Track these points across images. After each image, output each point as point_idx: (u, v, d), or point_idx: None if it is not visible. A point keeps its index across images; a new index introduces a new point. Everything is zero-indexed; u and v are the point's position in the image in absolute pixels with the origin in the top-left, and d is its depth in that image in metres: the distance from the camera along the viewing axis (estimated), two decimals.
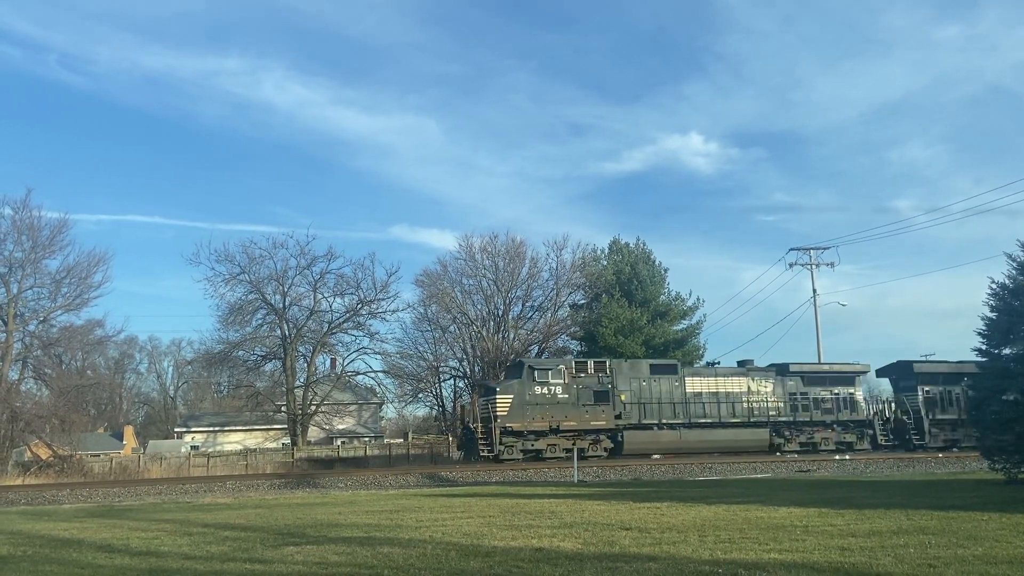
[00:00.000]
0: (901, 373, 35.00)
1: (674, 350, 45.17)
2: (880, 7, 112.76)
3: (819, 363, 36.15)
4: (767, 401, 31.40)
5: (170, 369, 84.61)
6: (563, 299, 48.54)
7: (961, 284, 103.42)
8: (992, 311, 17.97)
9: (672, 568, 7.55)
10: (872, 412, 32.83)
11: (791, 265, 44.97)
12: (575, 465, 24.45)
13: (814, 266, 44.71)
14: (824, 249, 45.01)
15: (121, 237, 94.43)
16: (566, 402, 28.82)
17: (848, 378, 33.13)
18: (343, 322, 46.14)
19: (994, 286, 17.91)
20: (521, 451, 28.39)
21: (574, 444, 28.24)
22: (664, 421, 29.91)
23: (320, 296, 45.40)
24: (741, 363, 33.62)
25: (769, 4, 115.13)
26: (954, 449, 31.62)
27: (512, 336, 46.89)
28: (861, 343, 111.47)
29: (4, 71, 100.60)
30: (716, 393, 30.94)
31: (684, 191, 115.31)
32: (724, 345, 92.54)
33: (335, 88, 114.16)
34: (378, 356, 48.02)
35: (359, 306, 45.51)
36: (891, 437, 32.64)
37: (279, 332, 45.22)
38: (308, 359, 46.55)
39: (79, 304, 41.68)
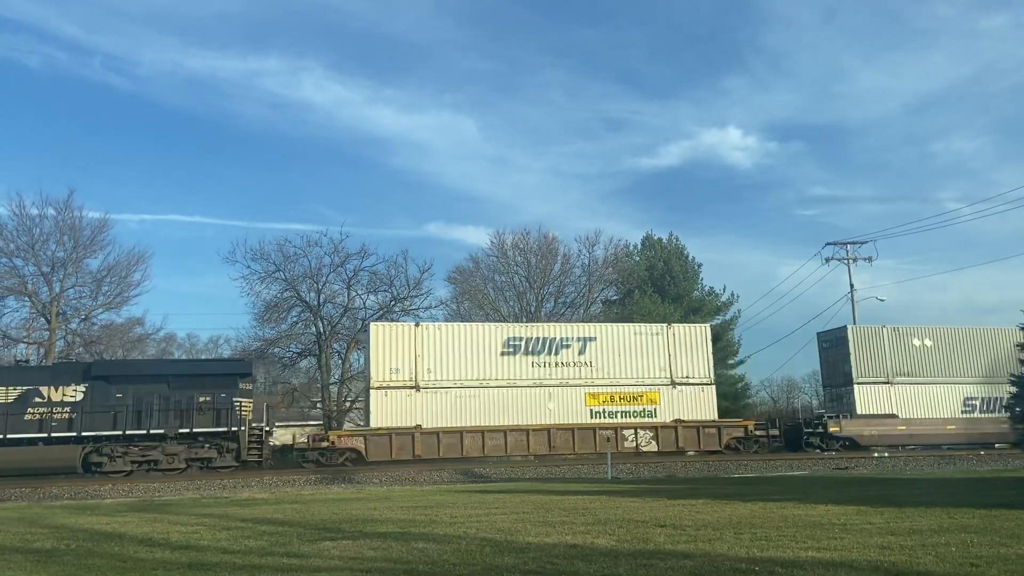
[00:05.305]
0: None
1: None
2: None
3: None
4: None
5: None
6: (595, 295, 48.37)
7: (1005, 278, 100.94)
8: None
9: (708, 565, 7.50)
10: None
11: (828, 260, 44.31)
12: (608, 461, 24.41)
13: (851, 261, 44.01)
14: (862, 243, 44.26)
15: (162, 236, 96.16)
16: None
17: None
18: (377, 319, 46.45)
19: None
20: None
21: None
22: None
23: (354, 293, 45.71)
24: None
25: None
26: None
27: None
28: None
29: (52, 73, 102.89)
30: None
31: (721, 186, 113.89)
32: (760, 340, 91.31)
33: (373, 87, 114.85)
34: None
35: (392, 303, 45.78)
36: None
37: (314, 329, 45.54)
38: (343, 356, 46.87)
39: (119, 302, 42.59)
